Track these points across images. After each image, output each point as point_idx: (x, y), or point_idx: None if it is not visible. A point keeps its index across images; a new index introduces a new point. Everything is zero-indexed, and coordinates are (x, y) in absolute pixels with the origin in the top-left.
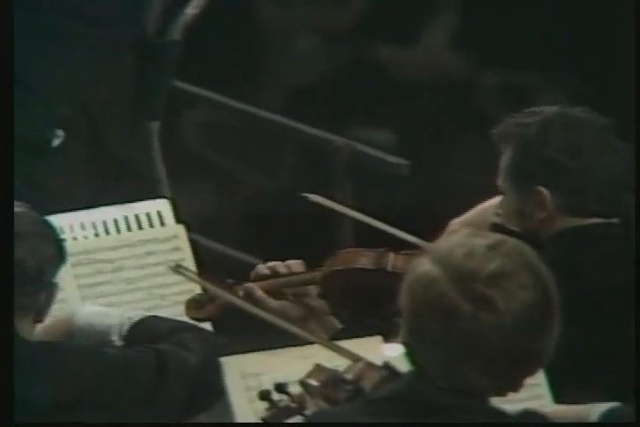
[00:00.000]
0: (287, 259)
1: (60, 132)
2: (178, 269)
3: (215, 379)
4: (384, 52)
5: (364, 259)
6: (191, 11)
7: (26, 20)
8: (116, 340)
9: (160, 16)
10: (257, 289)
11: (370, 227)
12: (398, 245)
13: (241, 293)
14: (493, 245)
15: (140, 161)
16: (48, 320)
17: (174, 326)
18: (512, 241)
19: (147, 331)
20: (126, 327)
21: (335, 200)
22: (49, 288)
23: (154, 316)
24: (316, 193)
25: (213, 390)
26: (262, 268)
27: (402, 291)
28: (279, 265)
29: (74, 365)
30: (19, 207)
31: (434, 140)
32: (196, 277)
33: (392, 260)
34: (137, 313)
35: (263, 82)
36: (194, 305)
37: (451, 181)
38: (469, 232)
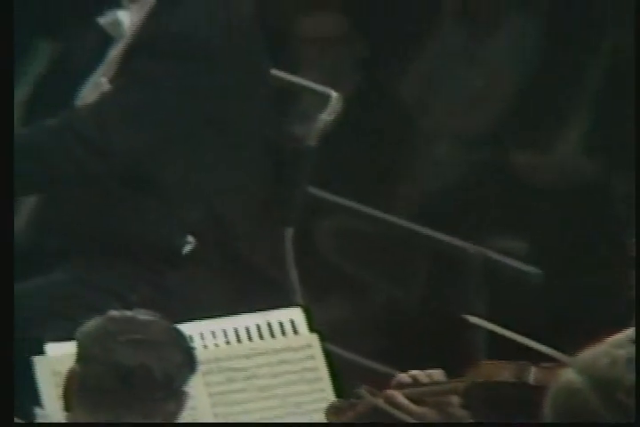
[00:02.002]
0: (421, 368)
1: (191, 239)
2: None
3: None
4: (518, 157)
5: (506, 372)
6: (326, 117)
7: (158, 122)
8: None
9: (296, 122)
10: (399, 395)
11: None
12: (534, 355)
13: (382, 399)
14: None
15: (274, 268)
16: None
17: None
18: None
19: None
20: None
21: (469, 308)
22: (178, 396)
23: None
24: (450, 301)
25: None
26: (403, 376)
27: (546, 400)
28: (420, 374)
29: None
30: (148, 315)
31: (569, 248)
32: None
33: (534, 373)
34: None
35: (398, 188)
36: (334, 411)
37: (586, 291)
38: (614, 342)
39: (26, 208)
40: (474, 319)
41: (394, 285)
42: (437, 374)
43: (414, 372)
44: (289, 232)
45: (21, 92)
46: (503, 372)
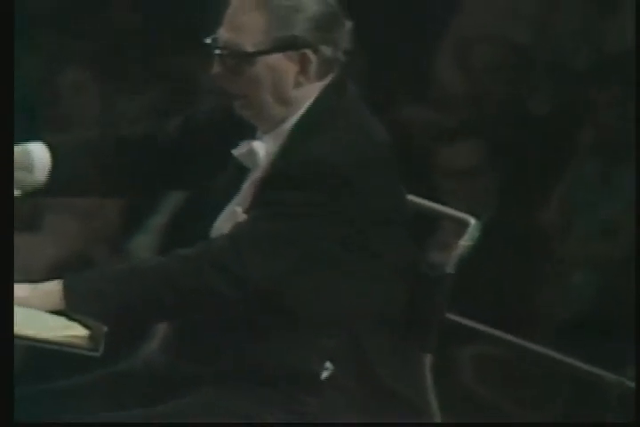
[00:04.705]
0: None
1: (329, 364)
2: None
3: None
4: None
5: None
6: (464, 243)
7: (294, 250)
8: None
9: (434, 248)
10: None
11: None
12: None
13: None
14: None
15: (412, 394)
16: None
17: None
18: None
19: None
20: None
21: None
22: None
23: None
24: None
25: None
26: None
27: None
28: None
29: None
30: None
31: None
32: None
33: None
34: None
35: (536, 314)
36: None
37: None
38: None
39: (160, 333)
40: None
41: (532, 411)
42: None
43: None
44: (428, 359)
45: (158, 221)
46: None
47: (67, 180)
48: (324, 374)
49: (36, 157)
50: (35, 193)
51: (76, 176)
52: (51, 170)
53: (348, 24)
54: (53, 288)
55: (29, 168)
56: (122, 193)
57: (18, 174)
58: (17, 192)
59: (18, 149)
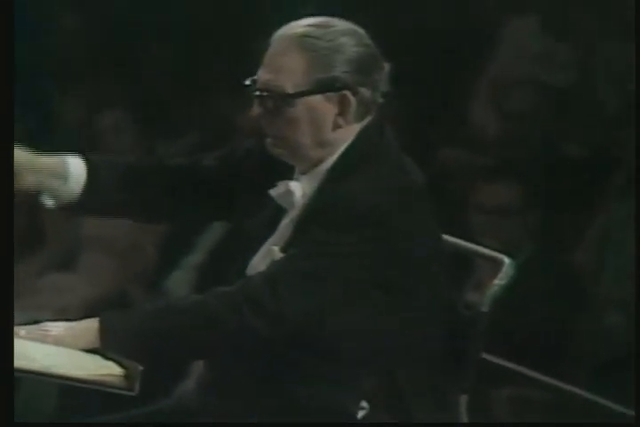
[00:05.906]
0: None
1: (365, 404)
2: None
3: None
4: None
5: None
6: (500, 282)
7: (331, 289)
8: None
9: (468, 287)
10: None
11: None
12: None
13: None
14: None
15: None
16: None
17: None
18: None
19: None
20: None
21: None
22: None
23: None
24: None
25: None
26: None
27: None
28: None
29: None
30: None
31: None
32: None
33: None
34: None
35: (571, 355)
36: None
37: None
38: None
39: (195, 372)
40: None
41: None
42: None
43: None
44: (463, 399)
45: (195, 259)
46: None
47: (100, 197)
48: (360, 414)
49: (72, 167)
50: (68, 206)
51: (110, 195)
52: (86, 185)
53: (387, 66)
54: (89, 326)
55: (65, 178)
56: (155, 219)
57: (53, 182)
58: (50, 202)
59: (55, 158)
